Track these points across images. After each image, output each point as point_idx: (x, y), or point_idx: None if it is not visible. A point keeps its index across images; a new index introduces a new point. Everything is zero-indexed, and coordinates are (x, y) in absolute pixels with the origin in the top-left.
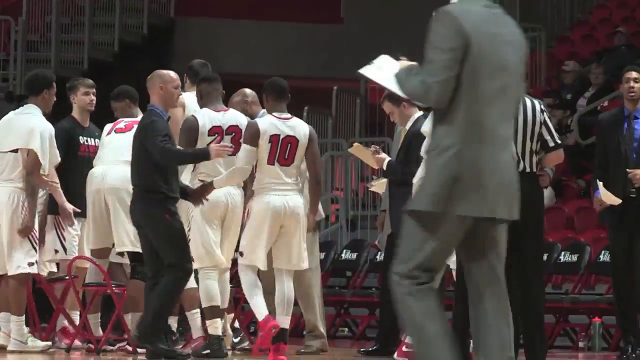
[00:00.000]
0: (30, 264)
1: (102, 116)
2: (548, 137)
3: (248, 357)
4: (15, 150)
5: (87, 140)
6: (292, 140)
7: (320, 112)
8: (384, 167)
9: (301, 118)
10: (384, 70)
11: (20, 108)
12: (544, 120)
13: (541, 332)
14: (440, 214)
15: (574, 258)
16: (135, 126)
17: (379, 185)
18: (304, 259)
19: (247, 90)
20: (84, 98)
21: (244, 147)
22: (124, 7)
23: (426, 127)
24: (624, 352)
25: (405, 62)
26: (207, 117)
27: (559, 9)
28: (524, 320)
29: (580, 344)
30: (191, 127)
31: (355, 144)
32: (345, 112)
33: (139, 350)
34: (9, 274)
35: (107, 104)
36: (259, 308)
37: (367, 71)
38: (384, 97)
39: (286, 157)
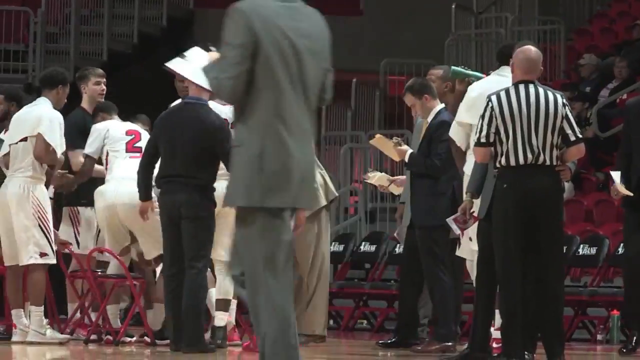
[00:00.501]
0: (43, 255)
1: (120, 107)
2: (569, 131)
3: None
4: (25, 140)
5: None
6: None
7: (339, 105)
8: (406, 160)
9: (320, 110)
10: (191, 63)
11: (33, 102)
12: (566, 114)
13: (559, 326)
14: (258, 208)
15: (593, 251)
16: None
17: (380, 179)
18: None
19: None
20: (95, 88)
21: None
22: None
23: (452, 131)
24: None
25: (214, 54)
26: (216, 110)
27: (578, 1)
28: (541, 314)
29: (599, 337)
30: None
31: (378, 136)
32: (365, 104)
33: (157, 342)
34: (19, 264)
35: (126, 94)
36: None
37: (174, 64)
38: (406, 89)
39: None
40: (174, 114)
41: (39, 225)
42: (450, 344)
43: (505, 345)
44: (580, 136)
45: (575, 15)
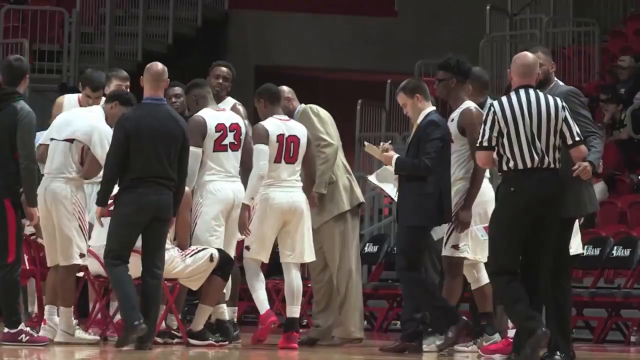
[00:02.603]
0: (82, 255)
1: None
2: (567, 135)
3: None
4: (71, 141)
5: None
6: (294, 140)
7: (373, 105)
8: (393, 165)
9: (354, 111)
10: None
11: (87, 107)
12: (565, 117)
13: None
14: None
15: (627, 253)
16: None
17: (371, 149)
18: (309, 252)
19: (285, 88)
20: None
21: (259, 148)
22: (178, 0)
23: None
24: None
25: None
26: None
27: (613, 3)
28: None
29: (632, 339)
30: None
31: (367, 144)
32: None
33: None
34: (60, 264)
35: None
36: (261, 302)
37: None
38: (399, 88)
39: (291, 155)
40: (144, 114)
41: (79, 227)
42: (414, 343)
43: (516, 345)
44: (579, 139)
45: (610, 16)
